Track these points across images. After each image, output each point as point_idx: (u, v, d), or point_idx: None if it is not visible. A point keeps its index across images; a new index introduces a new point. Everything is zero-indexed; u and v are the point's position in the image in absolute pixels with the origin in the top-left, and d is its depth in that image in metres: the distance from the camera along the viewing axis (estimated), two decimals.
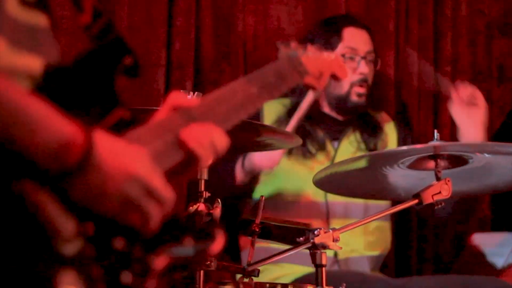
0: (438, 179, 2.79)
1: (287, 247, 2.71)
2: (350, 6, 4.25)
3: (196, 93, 2.87)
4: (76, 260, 1.39)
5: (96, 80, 1.60)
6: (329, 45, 3.62)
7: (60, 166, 1.39)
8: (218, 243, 1.61)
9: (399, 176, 3.02)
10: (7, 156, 1.36)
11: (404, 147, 2.91)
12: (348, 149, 3.71)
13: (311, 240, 2.61)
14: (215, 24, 4.10)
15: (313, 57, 2.09)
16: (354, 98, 3.69)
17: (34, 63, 1.52)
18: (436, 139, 2.82)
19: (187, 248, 1.57)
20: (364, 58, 3.69)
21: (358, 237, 3.60)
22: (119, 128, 1.57)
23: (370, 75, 3.74)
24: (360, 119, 3.77)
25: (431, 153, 2.80)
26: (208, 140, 1.67)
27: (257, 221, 2.77)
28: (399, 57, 4.27)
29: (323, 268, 2.61)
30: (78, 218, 1.43)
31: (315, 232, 2.61)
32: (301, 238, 2.66)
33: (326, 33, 3.72)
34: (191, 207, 2.53)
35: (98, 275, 1.42)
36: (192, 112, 1.70)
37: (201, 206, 2.66)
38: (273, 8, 4.19)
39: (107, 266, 1.43)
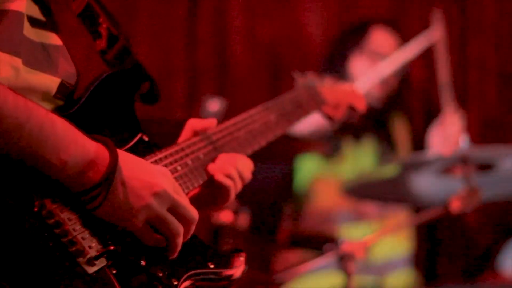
0: (466, 185, 2.73)
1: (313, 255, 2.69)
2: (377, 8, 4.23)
3: (218, 99, 2.86)
4: (100, 280, 1.38)
5: (114, 106, 1.60)
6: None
7: (85, 182, 1.39)
8: (239, 269, 1.59)
9: (425, 181, 2.98)
10: (32, 174, 1.37)
11: (433, 155, 2.85)
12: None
13: (338, 249, 2.58)
14: (238, 30, 4.09)
15: (330, 88, 2.15)
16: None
17: (49, 81, 1.52)
18: (465, 145, 2.76)
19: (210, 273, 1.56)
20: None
21: (389, 240, 3.56)
22: (139, 151, 1.56)
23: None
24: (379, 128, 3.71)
25: (461, 161, 2.74)
26: (236, 170, 1.72)
27: (284, 228, 2.75)
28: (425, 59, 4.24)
29: (352, 276, 2.57)
30: (103, 237, 1.42)
31: (342, 241, 2.59)
32: (327, 246, 2.63)
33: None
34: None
35: None
36: (212, 137, 1.75)
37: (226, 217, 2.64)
38: (297, 15, 4.17)
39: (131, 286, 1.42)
